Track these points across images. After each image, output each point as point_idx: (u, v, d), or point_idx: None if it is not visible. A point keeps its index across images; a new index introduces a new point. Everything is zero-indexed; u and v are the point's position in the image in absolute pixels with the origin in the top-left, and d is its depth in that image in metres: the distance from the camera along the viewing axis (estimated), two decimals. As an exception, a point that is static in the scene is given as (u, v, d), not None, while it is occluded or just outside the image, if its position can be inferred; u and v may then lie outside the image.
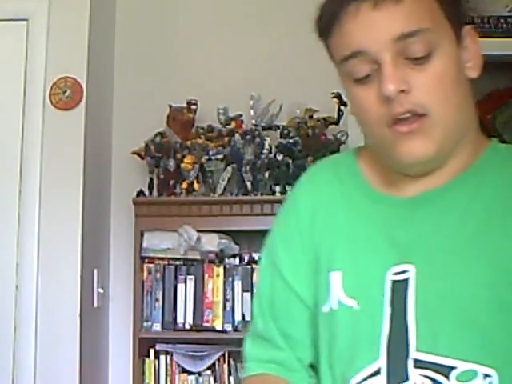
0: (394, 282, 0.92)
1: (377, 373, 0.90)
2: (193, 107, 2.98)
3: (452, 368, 0.87)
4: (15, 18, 2.95)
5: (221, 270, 2.87)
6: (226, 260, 2.90)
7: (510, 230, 0.89)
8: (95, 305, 2.98)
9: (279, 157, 2.91)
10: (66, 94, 2.88)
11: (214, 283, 2.86)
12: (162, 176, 2.92)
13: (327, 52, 0.97)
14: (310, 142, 2.90)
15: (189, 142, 2.93)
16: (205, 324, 2.82)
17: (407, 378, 0.88)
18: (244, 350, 1.11)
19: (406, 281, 0.91)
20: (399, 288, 0.91)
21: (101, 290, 3.02)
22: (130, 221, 2.97)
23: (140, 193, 2.95)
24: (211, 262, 2.88)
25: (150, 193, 2.95)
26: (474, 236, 0.90)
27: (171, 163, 2.89)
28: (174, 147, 2.94)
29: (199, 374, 2.90)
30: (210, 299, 2.85)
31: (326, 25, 0.92)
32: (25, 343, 2.77)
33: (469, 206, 0.92)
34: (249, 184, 2.88)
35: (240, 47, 3.32)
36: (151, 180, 2.96)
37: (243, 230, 2.90)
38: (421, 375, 0.88)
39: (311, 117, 2.96)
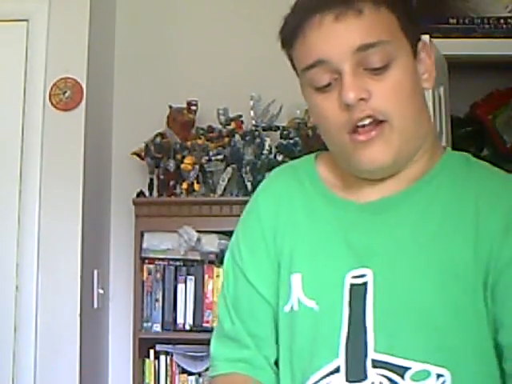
0: (353, 285, 0.96)
1: (336, 371, 0.94)
2: (193, 108, 2.98)
3: (407, 368, 0.91)
4: (15, 19, 2.95)
5: (221, 270, 2.86)
6: (226, 260, 2.90)
7: (459, 238, 0.94)
8: (95, 305, 2.98)
9: (279, 157, 2.91)
10: (66, 94, 2.88)
11: (214, 284, 2.86)
12: (162, 176, 2.92)
13: (290, 63, 1.02)
14: (310, 143, 2.90)
15: (189, 143, 2.93)
16: (205, 324, 2.82)
17: (366, 377, 0.92)
18: (211, 351, 1.12)
19: (364, 284, 0.95)
20: (358, 291, 0.95)
21: (101, 291, 3.02)
22: (130, 221, 2.97)
23: (140, 193, 2.95)
24: (211, 262, 2.89)
25: (150, 193, 2.95)
26: (427, 243, 0.94)
27: (171, 164, 2.89)
28: (174, 148, 2.95)
29: (199, 374, 2.90)
30: (210, 300, 2.85)
31: (290, 35, 0.97)
32: (25, 343, 2.77)
33: (423, 214, 0.96)
34: (249, 184, 2.88)
35: (240, 48, 3.31)
36: (151, 180, 2.96)
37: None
38: (378, 374, 0.92)
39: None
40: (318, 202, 1.03)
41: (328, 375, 0.95)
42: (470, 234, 0.93)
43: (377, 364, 0.92)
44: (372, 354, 0.92)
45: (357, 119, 0.91)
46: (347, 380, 0.93)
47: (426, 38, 3.11)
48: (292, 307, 1.01)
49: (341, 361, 0.94)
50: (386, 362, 0.92)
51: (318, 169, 1.08)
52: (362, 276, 0.95)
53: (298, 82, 3.47)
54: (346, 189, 1.02)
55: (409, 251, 0.95)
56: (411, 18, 0.97)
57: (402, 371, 0.91)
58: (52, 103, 2.88)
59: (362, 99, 0.90)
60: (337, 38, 0.91)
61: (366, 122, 0.92)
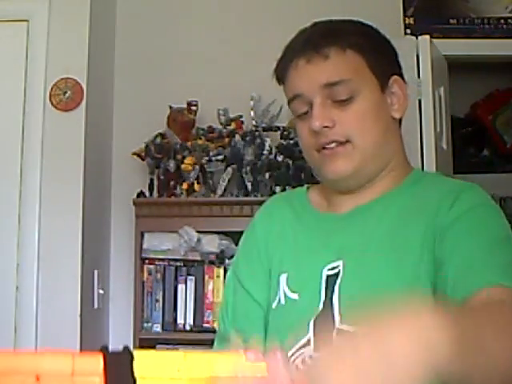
0: (328, 276, 1.12)
1: (307, 344, 1.08)
2: (193, 108, 2.98)
3: None
4: (15, 19, 2.95)
5: (221, 270, 2.87)
6: (227, 261, 2.90)
7: (412, 225, 1.12)
8: (95, 305, 2.98)
9: (279, 158, 2.91)
10: (67, 94, 2.88)
11: (215, 284, 2.86)
12: (162, 177, 2.92)
13: (285, 95, 1.20)
14: (310, 143, 2.90)
15: (189, 143, 2.93)
16: (205, 325, 2.82)
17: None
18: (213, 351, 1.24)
19: (337, 274, 1.12)
20: (331, 279, 1.12)
21: (101, 291, 3.02)
22: (130, 222, 2.97)
23: (140, 194, 2.95)
24: (211, 262, 2.89)
25: (151, 194, 2.95)
26: (387, 233, 1.13)
27: (171, 164, 2.89)
28: (174, 148, 2.95)
29: (199, 374, 2.90)
30: (211, 300, 2.86)
31: (280, 75, 1.20)
32: (25, 344, 2.77)
33: (385, 213, 1.15)
34: (249, 185, 2.88)
35: (240, 48, 3.32)
36: (151, 181, 2.96)
37: (243, 231, 2.90)
38: None
39: (311, 118, 2.96)
40: (304, 216, 1.23)
41: (300, 348, 1.08)
42: (421, 221, 1.10)
43: (341, 333, 1.04)
44: (338, 325, 1.07)
45: (321, 143, 1.12)
46: (315, 350, 1.07)
47: (426, 38, 3.10)
48: (279, 302, 1.16)
49: (310, 335, 1.08)
50: (349, 332, 1.01)
51: (308, 194, 1.27)
52: (336, 267, 1.12)
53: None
54: (329, 205, 1.21)
55: (371, 245, 1.12)
56: (379, 58, 1.15)
57: None
58: (52, 103, 2.88)
59: (326, 127, 1.10)
60: (308, 77, 1.12)
61: (332, 145, 1.11)
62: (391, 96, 1.16)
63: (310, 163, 1.20)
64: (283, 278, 1.17)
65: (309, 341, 1.08)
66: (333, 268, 1.12)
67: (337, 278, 1.11)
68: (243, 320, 1.22)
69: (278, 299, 1.17)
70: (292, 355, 1.09)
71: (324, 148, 1.12)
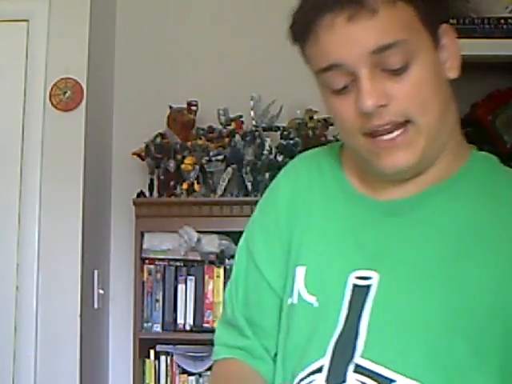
0: (356, 285, 0.92)
1: (319, 370, 0.91)
2: (193, 108, 2.98)
3: (391, 381, 0.86)
4: (15, 19, 2.95)
5: (221, 271, 2.87)
6: (227, 261, 2.90)
7: (480, 256, 0.88)
8: (95, 306, 2.98)
9: (280, 158, 2.91)
10: (67, 94, 2.88)
11: (215, 284, 2.86)
12: (162, 177, 2.92)
13: (302, 57, 0.96)
14: (310, 143, 2.90)
15: (189, 143, 2.93)
16: (205, 325, 2.82)
17: (344, 381, 0.88)
18: (215, 334, 1.13)
19: (367, 287, 0.91)
20: (359, 293, 0.91)
21: (101, 291, 3.02)
22: (130, 222, 2.97)
23: (140, 194, 2.95)
24: (211, 262, 2.88)
25: (151, 194, 2.95)
26: (442, 256, 0.89)
27: (171, 164, 2.89)
28: (174, 148, 2.94)
29: (199, 374, 2.90)
30: (211, 300, 2.85)
31: (301, 35, 0.92)
32: (25, 344, 2.77)
33: (442, 222, 0.91)
34: (249, 185, 2.88)
35: (240, 48, 3.31)
36: (151, 181, 2.96)
37: (243, 231, 2.90)
38: (358, 380, 0.87)
39: (311, 118, 2.96)
40: (334, 191, 1.00)
41: (312, 373, 0.91)
42: (487, 258, 0.87)
43: (359, 370, 0.87)
44: (357, 359, 0.88)
45: (375, 126, 0.87)
46: (326, 381, 0.89)
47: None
48: (292, 301, 0.98)
49: (326, 360, 0.90)
50: (370, 370, 0.87)
51: (342, 157, 1.02)
52: (368, 278, 0.91)
53: (298, 83, 3.45)
54: (366, 183, 0.97)
55: (420, 261, 0.89)
56: (431, 6, 0.88)
57: (384, 382, 0.86)
58: (52, 103, 2.88)
59: (380, 106, 0.85)
60: (351, 41, 0.85)
61: (387, 127, 0.87)
62: (442, 51, 0.90)
63: (352, 150, 0.95)
64: (300, 271, 0.97)
65: (322, 367, 0.90)
66: (363, 278, 0.92)
67: (367, 293, 0.90)
68: (255, 309, 1.04)
69: (292, 296, 0.98)
70: (301, 380, 0.92)
71: (376, 134, 0.88)
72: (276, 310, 1.02)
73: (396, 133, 0.87)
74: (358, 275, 0.92)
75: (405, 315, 0.88)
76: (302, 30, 0.90)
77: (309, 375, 0.92)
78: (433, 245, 0.90)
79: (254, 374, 1.04)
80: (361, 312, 0.90)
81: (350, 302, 0.91)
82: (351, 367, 0.88)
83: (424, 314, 0.87)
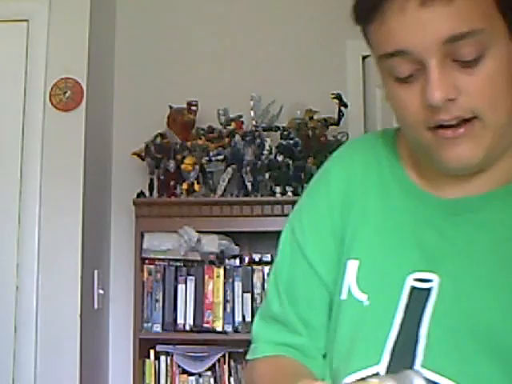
0: (414, 288, 0.85)
1: (373, 377, 0.82)
2: (193, 108, 2.98)
3: None
4: (15, 19, 2.95)
5: (221, 271, 2.87)
6: (227, 261, 2.90)
7: None
8: (95, 306, 2.98)
9: (279, 158, 2.91)
10: (67, 94, 2.88)
11: (215, 284, 2.86)
12: (162, 177, 2.92)
13: (364, 38, 0.87)
14: (310, 143, 2.90)
15: (189, 143, 2.93)
16: (205, 325, 2.82)
17: None
18: (253, 331, 1.02)
19: (427, 291, 0.84)
20: (418, 296, 0.84)
21: (101, 291, 3.02)
22: (130, 222, 2.97)
23: (140, 194, 2.95)
24: (211, 262, 2.89)
25: (151, 194, 2.95)
26: (508, 261, 0.82)
27: (171, 164, 2.89)
28: (174, 148, 2.94)
29: (199, 374, 2.90)
30: (211, 300, 2.85)
31: (366, 14, 0.83)
32: (25, 344, 2.77)
33: (508, 224, 0.84)
34: (249, 185, 2.88)
35: (240, 48, 3.32)
36: (151, 181, 2.96)
37: (243, 231, 2.91)
38: None
39: (311, 118, 2.96)
40: (392, 184, 0.92)
41: (365, 379, 0.82)
42: None
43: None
44: (418, 369, 0.81)
45: (441, 120, 0.80)
46: None
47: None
48: (340, 294, 0.91)
49: (381, 368, 0.83)
50: (433, 382, 0.79)
51: (398, 149, 0.95)
52: (428, 281, 0.84)
53: (298, 83, 3.44)
54: (425, 178, 0.90)
55: (487, 264, 0.83)
56: None
57: None
58: (52, 103, 2.88)
59: (449, 99, 0.78)
60: (422, 28, 0.77)
61: (453, 122, 0.80)
62: None
63: (413, 143, 0.88)
64: (353, 265, 0.90)
65: (377, 375, 0.83)
66: (423, 280, 0.85)
67: (427, 297, 0.84)
68: (304, 304, 0.96)
69: (340, 291, 0.91)
70: None
71: (440, 128, 0.81)
72: (327, 307, 0.95)
73: (462, 129, 0.80)
74: (417, 277, 0.85)
75: (469, 322, 0.81)
76: (368, 9, 0.81)
77: (360, 381, 0.83)
78: (498, 249, 0.83)
79: (309, 372, 0.94)
80: (420, 317, 0.83)
81: (407, 306, 0.85)
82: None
83: (490, 321, 0.80)
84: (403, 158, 0.94)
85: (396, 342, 0.84)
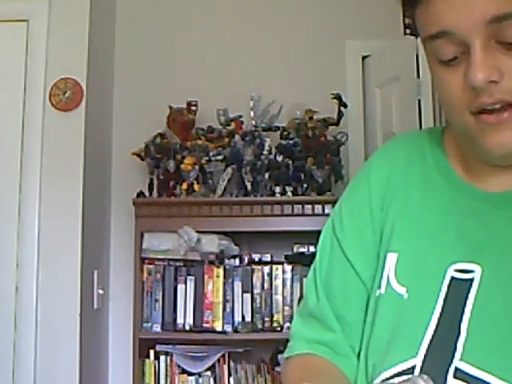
0: (454, 279, 0.83)
1: (410, 371, 0.82)
2: (193, 108, 2.98)
3: None
4: (15, 19, 2.95)
5: (221, 270, 2.87)
6: (226, 261, 2.91)
7: None
8: (95, 306, 2.98)
9: (279, 158, 2.91)
10: (66, 94, 2.88)
11: (214, 284, 2.86)
12: (162, 177, 2.92)
13: (412, 23, 0.85)
14: (310, 143, 2.90)
15: (189, 143, 2.93)
16: (205, 325, 2.82)
17: None
18: (291, 328, 1.01)
19: (468, 281, 0.82)
20: (459, 288, 0.82)
21: (101, 291, 3.02)
22: (130, 222, 2.97)
23: (140, 194, 2.95)
24: (211, 262, 2.89)
25: (150, 194, 2.95)
26: None
27: (171, 164, 2.89)
28: (174, 148, 2.94)
29: (199, 374, 2.90)
30: (210, 300, 2.85)
31: None
32: (25, 344, 2.77)
33: None
34: (249, 185, 2.88)
35: (240, 48, 3.32)
36: (151, 181, 2.96)
37: (243, 231, 2.91)
38: None
39: (311, 118, 2.96)
40: (436, 178, 0.91)
41: (400, 375, 0.81)
42: None
43: (459, 375, 0.78)
44: (457, 362, 0.78)
45: (484, 104, 0.78)
46: None
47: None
48: (379, 288, 0.89)
49: (418, 361, 0.81)
50: (474, 377, 0.77)
51: (444, 142, 0.94)
52: (469, 272, 0.82)
53: (298, 83, 3.44)
54: (471, 172, 0.89)
55: None
56: None
57: None
58: (52, 103, 2.88)
59: (492, 81, 0.76)
60: (466, 8, 0.75)
61: (496, 106, 0.78)
62: None
63: (457, 129, 0.86)
64: (392, 258, 0.89)
65: (413, 368, 0.81)
66: (464, 271, 0.83)
67: (469, 287, 0.82)
68: (340, 299, 0.95)
69: (379, 286, 0.90)
70: (387, 379, 0.83)
71: (483, 112, 0.78)
72: (363, 304, 0.93)
73: (506, 114, 0.78)
74: (458, 268, 0.83)
75: (511, 315, 0.78)
76: None
77: (397, 375, 0.82)
78: None
79: (337, 371, 0.93)
80: (462, 309, 0.81)
81: (446, 297, 0.83)
82: (451, 371, 0.79)
83: None
84: (449, 153, 0.92)
85: (434, 334, 0.82)
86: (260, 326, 2.82)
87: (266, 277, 2.88)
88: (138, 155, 2.98)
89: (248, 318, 2.83)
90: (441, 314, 0.82)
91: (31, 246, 2.82)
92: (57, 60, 2.92)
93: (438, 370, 0.79)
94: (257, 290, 2.87)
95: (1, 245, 2.85)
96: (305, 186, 2.90)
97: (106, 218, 3.20)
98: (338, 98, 2.94)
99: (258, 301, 2.86)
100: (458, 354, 0.79)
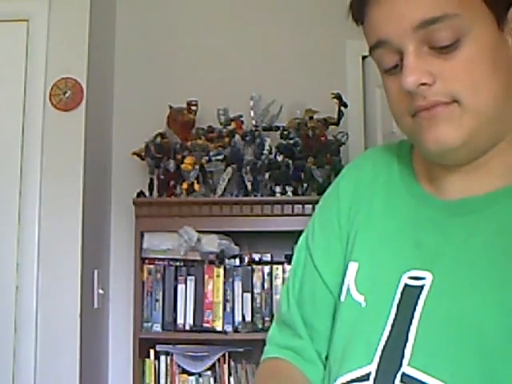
0: (407, 286, 0.85)
1: (365, 378, 0.84)
2: (193, 108, 2.98)
3: None
4: (15, 19, 2.95)
5: (221, 270, 2.87)
6: (226, 261, 2.91)
7: None
8: (95, 305, 2.98)
9: (279, 157, 2.91)
10: (67, 94, 2.88)
11: (214, 284, 2.86)
12: (162, 177, 2.92)
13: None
14: (310, 143, 2.90)
15: (189, 143, 2.93)
16: (205, 325, 2.82)
17: None
18: (268, 333, 1.07)
19: (419, 288, 0.84)
20: (410, 294, 0.84)
21: (101, 291, 3.02)
22: (130, 221, 2.97)
23: (140, 193, 2.95)
24: (211, 262, 2.89)
25: (151, 193, 2.95)
26: (503, 259, 0.80)
27: (171, 164, 2.89)
28: (174, 148, 2.95)
29: (199, 374, 2.90)
30: (210, 300, 2.85)
31: (356, 13, 0.87)
32: (25, 344, 2.77)
33: (504, 226, 0.82)
34: (249, 185, 2.88)
35: (240, 48, 3.32)
36: (151, 181, 2.96)
37: (243, 231, 2.91)
38: None
39: (311, 117, 2.96)
40: (400, 189, 0.93)
41: (357, 380, 0.84)
42: None
43: (406, 380, 0.80)
44: (405, 368, 0.80)
45: (418, 107, 0.81)
46: None
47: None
48: (339, 296, 0.92)
49: (373, 368, 0.83)
50: (418, 380, 0.79)
51: (412, 154, 0.96)
52: (421, 279, 0.84)
53: (298, 83, 3.45)
54: (433, 182, 0.90)
55: (477, 263, 0.81)
56: None
57: None
58: (52, 103, 2.88)
59: (423, 84, 0.79)
60: (396, 16, 0.79)
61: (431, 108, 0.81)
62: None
63: (403, 132, 0.88)
64: (352, 267, 0.92)
65: (368, 375, 0.83)
66: (416, 278, 0.84)
67: (419, 294, 0.83)
68: (309, 306, 0.98)
69: (340, 292, 0.93)
70: None
71: (421, 111, 0.81)
72: (330, 310, 0.96)
73: (438, 108, 0.80)
74: (411, 275, 0.85)
75: (457, 320, 0.80)
76: (357, 6, 0.86)
77: (353, 381, 0.85)
78: (493, 247, 0.81)
79: (299, 376, 0.97)
80: (411, 315, 0.83)
81: (399, 304, 0.85)
82: (398, 377, 0.81)
83: (479, 319, 0.78)
84: (416, 165, 0.94)
85: (387, 341, 0.84)
86: (260, 326, 2.82)
87: (266, 277, 2.88)
88: (138, 155, 2.98)
89: (248, 318, 2.83)
90: (394, 321, 0.84)
91: (31, 246, 2.82)
92: (57, 60, 2.92)
93: (388, 375, 0.81)
94: (257, 290, 2.87)
95: (1, 245, 2.85)
96: (305, 185, 2.90)
97: (105, 218, 3.20)
98: (338, 97, 2.94)
99: (258, 301, 2.86)
100: (405, 360, 0.81)
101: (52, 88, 2.89)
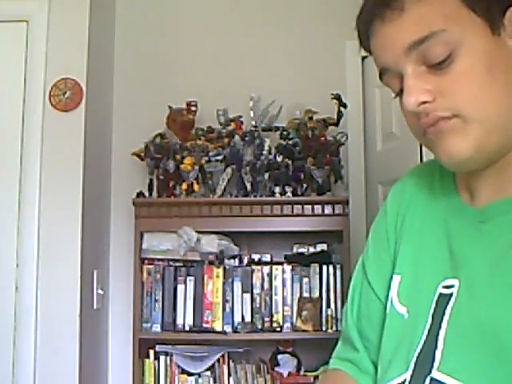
0: (441, 294, 0.88)
1: None
2: (192, 108, 2.98)
3: None
4: (15, 19, 2.95)
5: (220, 271, 2.88)
6: (226, 261, 2.91)
7: None
8: (95, 306, 2.98)
9: (279, 158, 2.91)
10: (66, 95, 2.88)
11: (214, 284, 2.87)
12: (161, 177, 2.92)
13: None
14: (309, 143, 2.91)
15: (188, 144, 2.93)
16: (204, 325, 2.82)
17: None
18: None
19: (448, 296, 0.87)
20: (442, 302, 0.87)
21: (101, 291, 3.02)
22: (129, 222, 2.98)
23: (140, 194, 2.95)
24: (211, 263, 2.89)
25: (150, 194, 2.95)
26: None
27: (171, 164, 2.90)
28: (173, 148, 2.95)
29: (199, 374, 2.90)
30: (210, 300, 2.86)
31: (365, 45, 0.93)
32: (25, 344, 2.77)
33: None
34: (248, 185, 2.88)
35: (240, 48, 3.32)
36: (151, 181, 2.96)
37: (243, 231, 2.91)
38: None
39: (311, 118, 2.96)
40: (439, 200, 0.97)
41: None
42: None
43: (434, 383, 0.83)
44: (434, 372, 0.83)
45: (425, 124, 0.85)
46: None
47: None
48: (385, 307, 0.97)
49: (408, 374, 0.87)
50: (444, 383, 0.82)
51: None
52: (451, 287, 0.87)
53: (298, 83, 3.44)
54: (470, 192, 0.93)
55: (499, 268, 0.82)
56: None
57: None
58: (52, 104, 2.88)
59: (424, 102, 0.83)
60: (389, 43, 0.85)
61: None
62: (510, 35, 0.83)
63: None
64: (395, 280, 0.96)
65: (404, 382, 0.88)
66: (448, 286, 0.87)
67: (448, 301, 0.86)
68: (365, 321, 1.03)
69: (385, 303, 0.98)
70: None
71: (428, 128, 0.85)
72: (383, 323, 0.99)
73: (441, 122, 0.83)
74: (445, 284, 0.88)
75: (480, 325, 0.81)
76: (363, 39, 0.93)
77: None
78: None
79: None
80: (441, 322, 0.86)
81: (434, 312, 0.88)
82: (427, 381, 0.84)
83: (499, 325, 0.79)
84: (457, 176, 0.97)
85: (422, 348, 0.87)
86: (260, 326, 2.82)
87: (265, 277, 2.88)
88: (138, 155, 2.98)
89: (248, 318, 2.83)
90: (428, 330, 0.88)
91: (31, 246, 2.82)
92: (57, 60, 2.92)
93: (419, 380, 0.85)
94: (256, 290, 2.87)
95: (1, 245, 2.85)
96: (304, 186, 2.90)
97: (106, 218, 3.20)
98: (338, 98, 2.94)
99: (257, 301, 2.86)
100: (435, 365, 0.84)
101: (52, 88, 2.89)
